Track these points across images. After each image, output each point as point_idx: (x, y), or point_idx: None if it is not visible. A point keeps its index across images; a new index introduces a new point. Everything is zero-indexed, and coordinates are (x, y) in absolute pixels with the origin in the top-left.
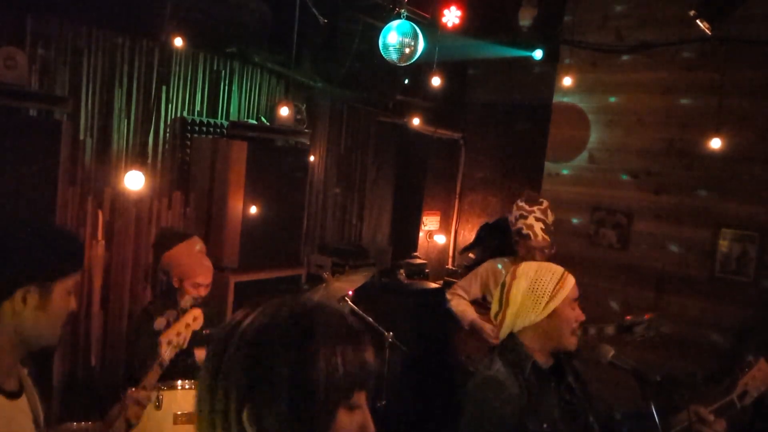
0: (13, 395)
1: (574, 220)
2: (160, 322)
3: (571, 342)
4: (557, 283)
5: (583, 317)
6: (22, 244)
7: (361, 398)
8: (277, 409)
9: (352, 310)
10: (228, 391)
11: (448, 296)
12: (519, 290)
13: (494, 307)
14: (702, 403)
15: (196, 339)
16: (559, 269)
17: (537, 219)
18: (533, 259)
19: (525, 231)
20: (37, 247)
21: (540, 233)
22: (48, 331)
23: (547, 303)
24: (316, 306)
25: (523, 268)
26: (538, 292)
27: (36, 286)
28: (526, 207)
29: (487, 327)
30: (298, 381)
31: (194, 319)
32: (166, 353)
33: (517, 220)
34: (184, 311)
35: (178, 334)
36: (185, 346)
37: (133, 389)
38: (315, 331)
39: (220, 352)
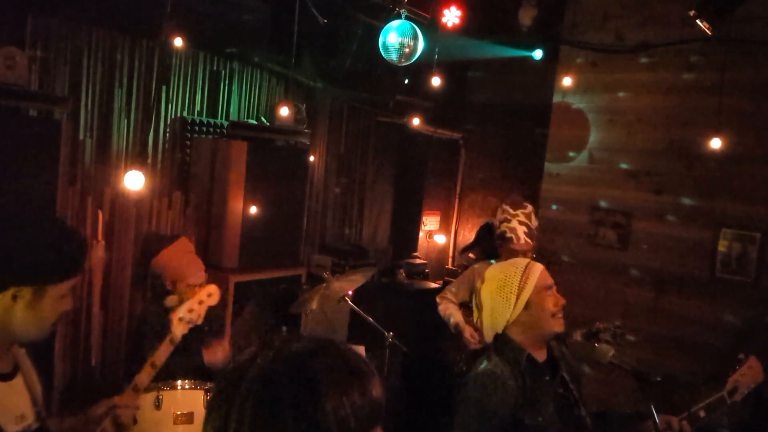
0: (5, 377)
1: (574, 220)
2: (171, 299)
3: (556, 325)
4: (522, 276)
5: (563, 300)
6: (22, 245)
7: None
8: None
9: (352, 310)
10: None
11: (438, 299)
12: (488, 292)
13: (474, 313)
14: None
15: (201, 338)
16: (523, 261)
17: (520, 223)
18: None
19: (508, 234)
20: (35, 250)
21: (522, 236)
22: (34, 330)
23: (518, 297)
24: (316, 351)
25: (490, 271)
26: (506, 289)
27: (29, 287)
28: (510, 210)
29: (467, 331)
30: None
31: (209, 295)
32: (178, 329)
33: (501, 223)
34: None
35: (191, 310)
36: (200, 322)
37: (121, 396)
38: (320, 384)
39: (228, 401)
